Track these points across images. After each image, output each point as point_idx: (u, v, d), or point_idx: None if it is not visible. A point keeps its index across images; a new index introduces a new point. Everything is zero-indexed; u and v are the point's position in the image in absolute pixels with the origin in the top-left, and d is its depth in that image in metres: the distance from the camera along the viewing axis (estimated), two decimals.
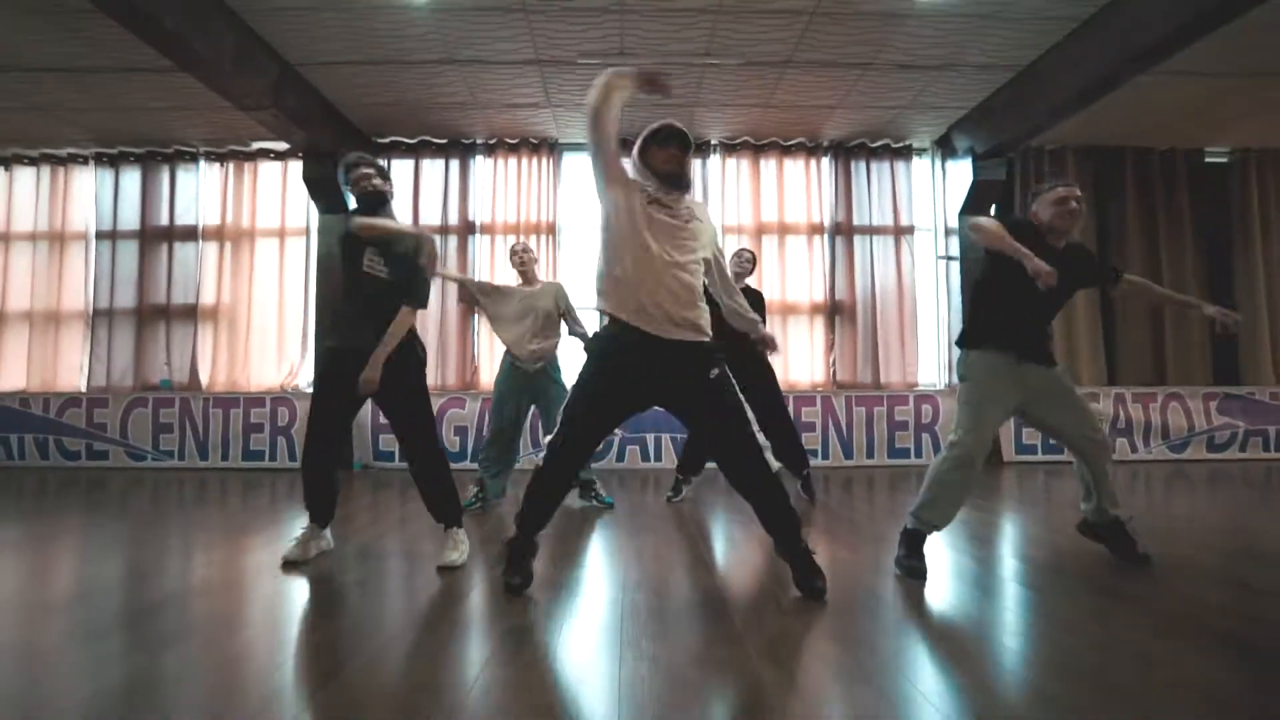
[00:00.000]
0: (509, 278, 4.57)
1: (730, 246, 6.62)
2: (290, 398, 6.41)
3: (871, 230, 6.79)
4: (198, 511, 4.26)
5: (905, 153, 6.88)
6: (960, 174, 6.65)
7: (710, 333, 2.39)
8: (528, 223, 6.66)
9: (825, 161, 6.84)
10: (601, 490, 4.17)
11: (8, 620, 2.17)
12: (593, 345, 2.46)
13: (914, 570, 2.54)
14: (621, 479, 5.48)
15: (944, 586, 2.47)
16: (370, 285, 2.72)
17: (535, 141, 6.72)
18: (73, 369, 6.75)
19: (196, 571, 2.78)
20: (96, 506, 4.36)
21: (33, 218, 6.84)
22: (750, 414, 3.85)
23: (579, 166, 6.89)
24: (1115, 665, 1.74)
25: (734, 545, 3.26)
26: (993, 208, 6.72)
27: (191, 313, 6.73)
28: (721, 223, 6.73)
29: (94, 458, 6.36)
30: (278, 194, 6.81)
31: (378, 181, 2.79)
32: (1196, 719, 1.47)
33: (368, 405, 2.98)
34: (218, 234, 6.80)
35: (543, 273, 4.31)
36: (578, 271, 6.59)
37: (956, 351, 2.80)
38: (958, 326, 2.87)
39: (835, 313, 6.74)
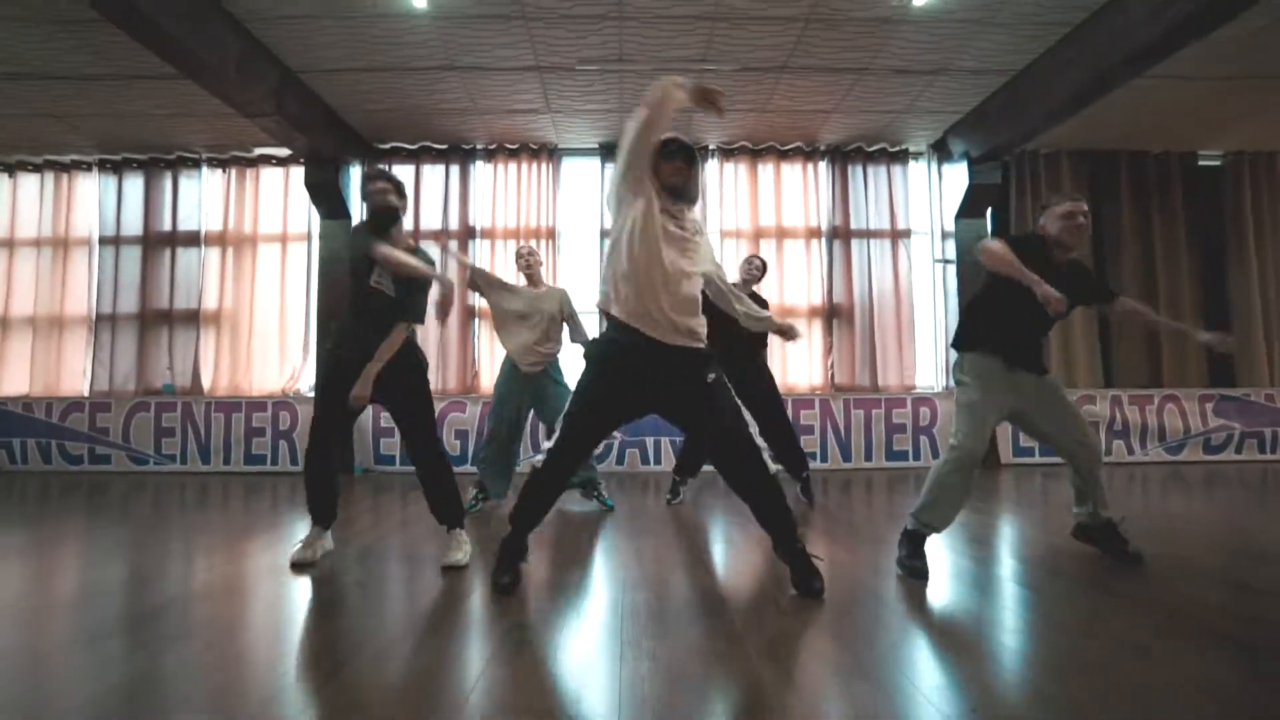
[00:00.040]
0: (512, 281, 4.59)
1: (728, 250, 6.73)
2: (292, 402, 6.44)
3: (868, 234, 6.84)
4: (199, 515, 4.28)
5: (901, 157, 6.92)
6: (956, 178, 6.69)
7: (705, 341, 2.43)
8: (528, 227, 6.71)
9: (822, 166, 6.89)
10: (604, 491, 4.20)
11: (11, 623, 2.19)
12: (592, 349, 2.50)
13: (916, 570, 2.57)
14: (621, 482, 5.51)
15: (943, 587, 2.49)
16: (377, 301, 2.80)
17: (535, 147, 6.77)
18: (75, 374, 6.78)
19: (198, 574, 2.81)
20: (99, 510, 4.39)
21: (36, 224, 6.89)
22: (749, 418, 3.89)
23: (578, 171, 6.94)
24: (1115, 664, 1.75)
25: (733, 547, 3.29)
26: (989, 211, 6.78)
27: (194, 317, 6.77)
28: (720, 227, 6.78)
29: (96, 462, 6.39)
30: (279, 199, 6.86)
31: (392, 198, 2.86)
32: (1197, 718, 1.48)
33: (369, 409, 3.02)
34: (220, 239, 6.84)
35: (544, 276, 4.33)
36: (578, 275, 6.65)
37: (953, 355, 2.85)
38: (954, 329, 2.91)
39: (833, 316, 6.77)
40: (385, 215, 2.84)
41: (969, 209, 6.64)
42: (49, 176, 6.92)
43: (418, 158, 6.78)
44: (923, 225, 6.98)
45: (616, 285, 2.35)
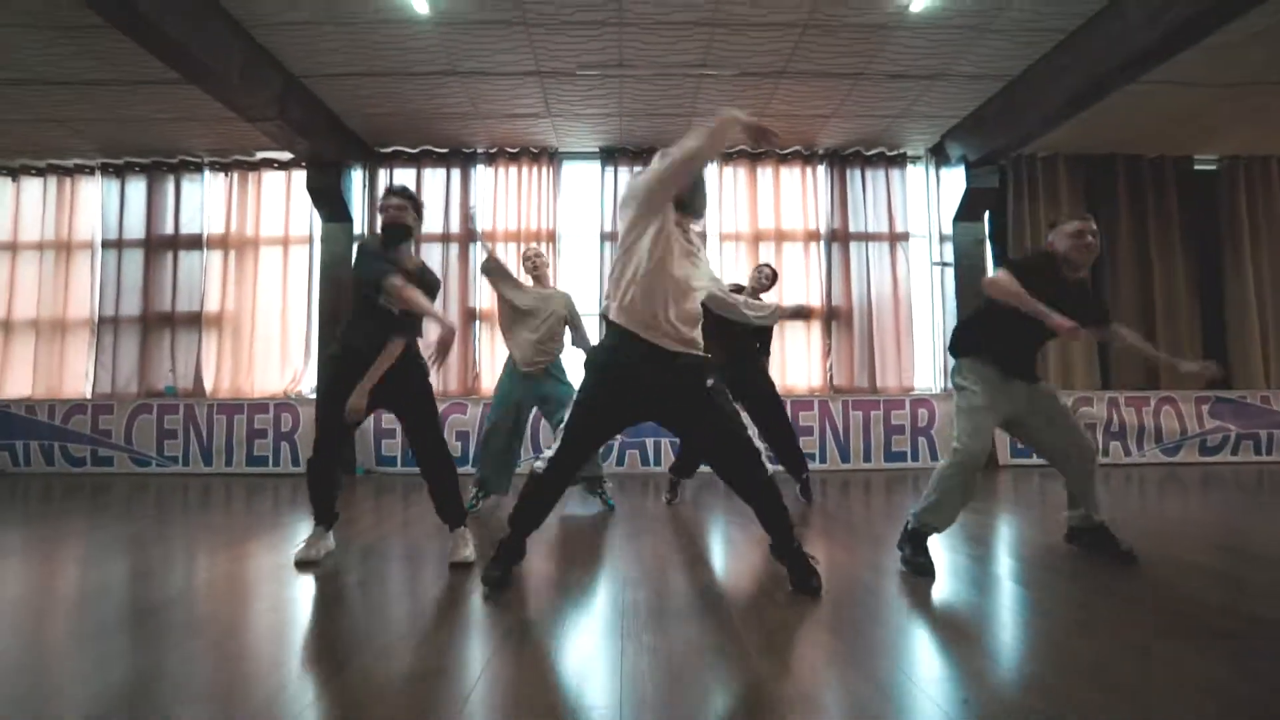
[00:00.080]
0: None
1: (728, 254, 6.77)
2: (293, 404, 6.47)
3: (867, 237, 6.87)
4: (201, 516, 4.31)
5: (899, 160, 6.96)
6: (954, 181, 6.73)
7: (702, 349, 2.48)
8: (528, 231, 6.74)
9: (821, 170, 6.93)
10: (608, 490, 4.23)
11: (14, 622, 2.21)
12: (593, 357, 2.53)
13: (921, 567, 2.60)
14: (621, 483, 5.53)
15: (941, 584, 2.52)
16: (381, 314, 2.85)
17: (535, 151, 6.81)
18: (78, 376, 6.80)
19: (200, 574, 2.84)
20: (101, 511, 4.41)
21: (39, 227, 6.92)
22: (748, 421, 3.93)
23: (578, 175, 6.98)
24: (1114, 662, 1.76)
25: (732, 545, 3.32)
26: (986, 214, 6.82)
27: (196, 320, 6.80)
28: (720, 230, 6.83)
29: (99, 464, 6.42)
30: (281, 203, 6.89)
31: (408, 217, 2.91)
32: (1197, 717, 1.48)
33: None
34: (222, 243, 6.87)
35: (549, 279, 4.36)
36: (578, 278, 6.68)
37: (950, 358, 2.89)
38: (950, 335, 2.94)
39: (832, 318, 6.80)
40: (397, 231, 2.89)
41: (966, 212, 6.68)
42: (52, 180, 6.96)
43: (419, 162, 6.82)
44: (921, 228, 7.02)
45: (625, 293, 2.37)
